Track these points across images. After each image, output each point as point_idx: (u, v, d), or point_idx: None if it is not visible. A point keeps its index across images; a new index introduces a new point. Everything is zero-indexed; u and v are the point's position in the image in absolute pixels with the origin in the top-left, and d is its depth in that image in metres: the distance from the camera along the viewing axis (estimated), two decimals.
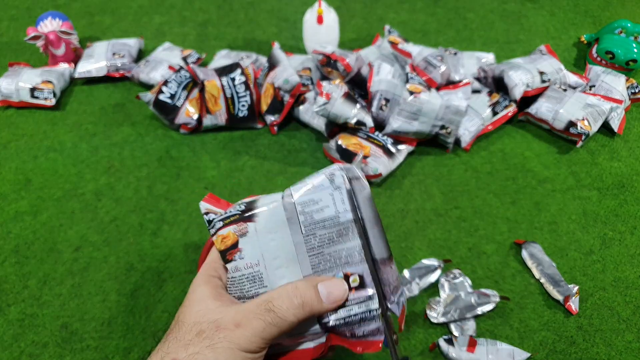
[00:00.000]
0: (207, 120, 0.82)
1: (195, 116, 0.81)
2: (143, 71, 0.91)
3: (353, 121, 0.76)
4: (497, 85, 0.84)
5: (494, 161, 0.79)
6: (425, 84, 0.78)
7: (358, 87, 0.82)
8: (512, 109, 0.82)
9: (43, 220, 0.70)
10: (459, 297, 0.58)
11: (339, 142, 0.76)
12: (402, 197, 0.73)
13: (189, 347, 0.27)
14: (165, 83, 0.81)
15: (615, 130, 0.82)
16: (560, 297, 0.60)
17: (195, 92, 0.81)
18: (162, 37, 1.06)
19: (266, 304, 0.28)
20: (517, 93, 0.81)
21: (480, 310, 0.57)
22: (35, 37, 0.91)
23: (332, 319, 0.30)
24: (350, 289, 0.30)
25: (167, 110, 0.81)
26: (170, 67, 0.91)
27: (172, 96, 0.80)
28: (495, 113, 0.81)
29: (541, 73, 0.83)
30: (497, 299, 0.58)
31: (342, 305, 0.30)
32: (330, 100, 0.74)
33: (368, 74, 0.79)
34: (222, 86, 0.81)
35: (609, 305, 0.60)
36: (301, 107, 0.82)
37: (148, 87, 0.92)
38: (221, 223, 0.33)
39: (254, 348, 0.27)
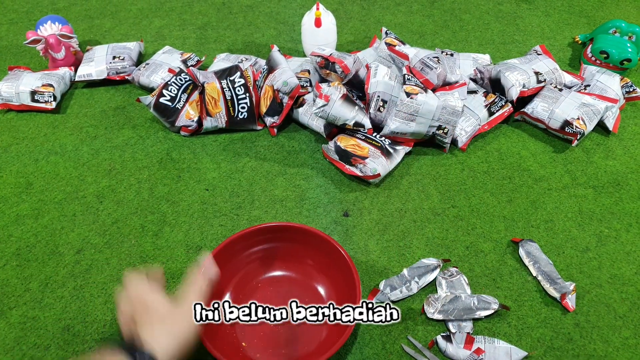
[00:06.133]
0: (208, 123, 0.82)
1: (196, 118, 0.82)
2: (143, 74, 0.92)
3: (351, 123, 0.76)
4: (494, 86, 0.85)
5: (490, 160, 0.80)
6: (422, 86, 0.79)
7: (356, 89, 0.83)
8: (507, 108, 0.83)
9: (44, 223, 0.71)
10: (459, 297, 0.58)
11: (338, 143, 0.76)
12: (400, 196, 0.74)
13: None
14: (166, 86, 0.81)
15: (610, 129, 0.83)
16: (557, 295, 0.60)
17: (196, 95, 0.82)
18: (162, 41, 1.07)
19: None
20: (514, 93, 0.82)
21: (478, 314, 0.58)
22: (35, 41, 0.92)
23: None
24: None
25: (167, 113, 0.81)
26: (170, 70, 0.91)
27: (173, 99, 0.81)
28: (491, 113, 0.82)
29: (537, 73, 0.84)
30: (497, 306, 0.58)
31: None
32: (329, 102, 0.75)
33: (365, 76, 0.79)
34: (222, 88, 0.81)
35: (605, 302, 0.61)
36: (300, 109, 0.83)
37: (148, 90, 0.93)
38: None
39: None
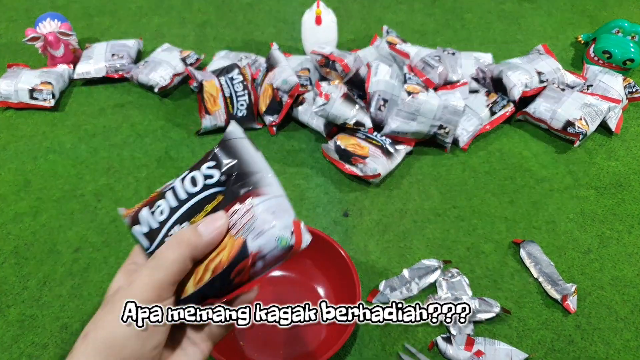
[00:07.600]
0: (207, 121, 0.82)
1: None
2: (142, 72, 0.91)
3: (352, 122, 0.76)
4: (496, 85, 0.85)
5: (492, 161, 0.79)
6: (423, 85, 0.78)
7: (357, 88, 0.82)
8: (509, 108, 0.83)
9: (42, 221, 0.71)
10: (459, 299, 0.58)
11: (338, 142, 0.76)
12: (400, 197, 0.74)
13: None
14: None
15: (613, 129, 0.82)
16: (558, 296, 0.60)
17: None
18: (161, 38, 1.06)
19: (153, 255, 0.29)
20: (516, 93, 0.81)
21: (479, 317, 0.57)
22: (34, 38, 0.91)
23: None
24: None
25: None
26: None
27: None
28: (493, 113, 0.82)
29: (539, 73, 0.84)
30: (498, 309, 0.58)
31: None
32: (329, 101, 0.74)
33: (366, 75, 0.79)
34: (221, 85, 0.81)
35: (607, 304, 0.60)
36: (300, 108, 0.83)
37: (147, 87, 0.93)
38: None
39: (150, 297, 0.28)
